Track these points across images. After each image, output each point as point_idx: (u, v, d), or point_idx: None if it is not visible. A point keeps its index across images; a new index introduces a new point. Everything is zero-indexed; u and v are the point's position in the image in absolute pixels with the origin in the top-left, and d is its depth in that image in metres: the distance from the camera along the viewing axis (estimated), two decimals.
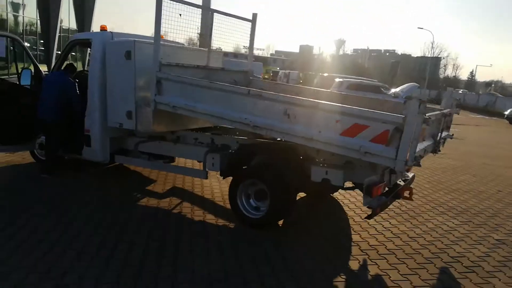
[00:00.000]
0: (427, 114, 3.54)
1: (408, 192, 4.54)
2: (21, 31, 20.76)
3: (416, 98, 3.37)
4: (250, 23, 6.00)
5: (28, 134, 5.94)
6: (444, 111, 4.47)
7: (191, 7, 5.12)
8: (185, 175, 5.89)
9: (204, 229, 4.31)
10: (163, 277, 3.26)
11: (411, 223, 4.97)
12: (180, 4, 4.91)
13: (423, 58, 56.05)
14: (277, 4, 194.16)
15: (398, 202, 5.58)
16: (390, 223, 4.91)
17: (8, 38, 6.08)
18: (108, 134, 5.50)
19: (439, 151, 4.72)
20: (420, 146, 3.77)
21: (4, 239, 3.71)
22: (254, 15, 6.02)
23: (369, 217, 3.92)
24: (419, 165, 4.29)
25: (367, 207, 3.84)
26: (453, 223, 5.07)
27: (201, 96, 4.51)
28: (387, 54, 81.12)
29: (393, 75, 44.17)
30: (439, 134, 4.37)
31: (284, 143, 4.78)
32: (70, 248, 3.63)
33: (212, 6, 5.94)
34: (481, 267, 3.87)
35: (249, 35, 6.06)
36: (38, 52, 22.65)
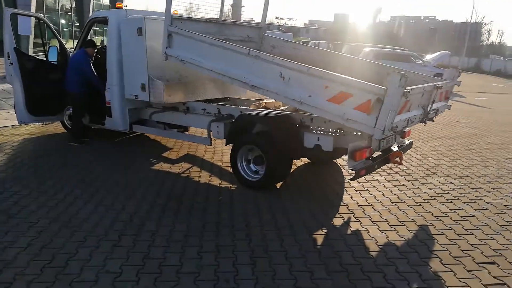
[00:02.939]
0: (409, 88, 3.72)
1: (398, 157, 4.77)
2: (57, 9, 21.73)
3: (397, 72, 3.55)
4: None
5: (58, 106, 6.60)
6: (437, 83, 4.55)
7: None
8: (193, 142, 6.38)
9: (207, 190, 4.79)
10: (164, 224, 3.79)
11: (406, 186, 5.21)
12: None
13: (464, 24, 52.93)
14: None
15: (399, 168, 5.82)
16: (384, 186, 5.18)
17: (35, 18, 6.65)
18: (127, 106, 6.03)
19: (432, 120, 4.86)
20: (403, 117, 3.95)
21: (37, 194, 4.37)
22: None
23: (353, 179, 4.22)
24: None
25: (351, 169, 4.13)
26: (448, 187, 5.26)
27: (206, 52, 4.80)
28: (427, 20, 76.99)
29: (430, 43, 42.35)
30: (430, 105, 4.49)
31: (282, 113, 5.10)
32: (89, 202, 4.23)
33: None
34: (461, 225, 4.11)
35: None
36: (74, 29, 23.64)
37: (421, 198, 4.83)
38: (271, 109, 5.52)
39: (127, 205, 4.21)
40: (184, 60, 5.00)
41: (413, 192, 5.01)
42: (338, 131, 4.64)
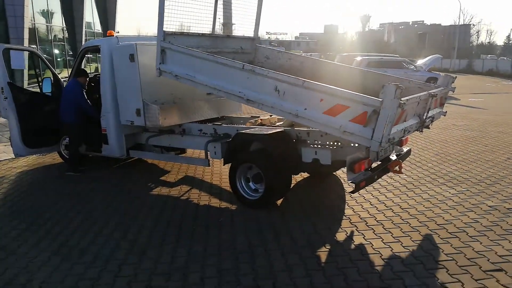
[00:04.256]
0: (405, 98, 3.72)
1: (397, 166, 4.76)
2: (50, 39, 21.94)
3: (393, 84, 3.54)
4: None
5: (54, 137, 6.60)
6: (431, 91, 4.56)
7: None
8: (191, 164, 6.35)
9: (207, 211, 4.74)
10: (167, 251, 3.73)
11: (407, 195, 5.17)
12: None
13: (452, 27, 53.60)
14: None
15: (399, 176, 5.79)
16: (386, 196, 5.14)
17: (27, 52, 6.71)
18: (123, 132, 6.03)
19: (428, 128, 4.85)
20: (399, 127, 3.95)
21: (36, 228, 4.32)
22: None
23: (353, 191, 4.18)
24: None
25: (351, 182, 4.10)
26: (449, 193, 5.22)
27: (200, 67, 4.78)
28: (415, 26, 77.97)
29: (421, 48, 42.81)
30: (425, 113, 4.49)
31: (279, 129, 5.09)
32: (89, 232, 4.18)
33: None
34: (465, 232, 4.06)
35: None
36: (68, 58, 23.83)
37: (423, 206, 4.78)
38: (266, 126, 5.52)
39: (128, 233, 4.16)
40: (179, 75, 4.99)
41: (415, 200, 4.97)
42: (336, 144, 4.64)
